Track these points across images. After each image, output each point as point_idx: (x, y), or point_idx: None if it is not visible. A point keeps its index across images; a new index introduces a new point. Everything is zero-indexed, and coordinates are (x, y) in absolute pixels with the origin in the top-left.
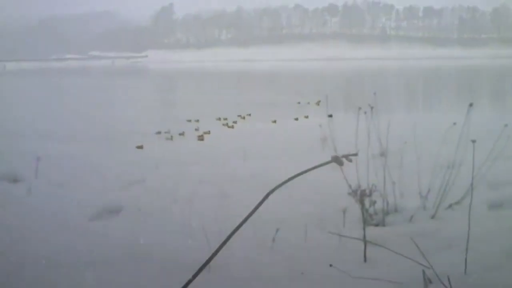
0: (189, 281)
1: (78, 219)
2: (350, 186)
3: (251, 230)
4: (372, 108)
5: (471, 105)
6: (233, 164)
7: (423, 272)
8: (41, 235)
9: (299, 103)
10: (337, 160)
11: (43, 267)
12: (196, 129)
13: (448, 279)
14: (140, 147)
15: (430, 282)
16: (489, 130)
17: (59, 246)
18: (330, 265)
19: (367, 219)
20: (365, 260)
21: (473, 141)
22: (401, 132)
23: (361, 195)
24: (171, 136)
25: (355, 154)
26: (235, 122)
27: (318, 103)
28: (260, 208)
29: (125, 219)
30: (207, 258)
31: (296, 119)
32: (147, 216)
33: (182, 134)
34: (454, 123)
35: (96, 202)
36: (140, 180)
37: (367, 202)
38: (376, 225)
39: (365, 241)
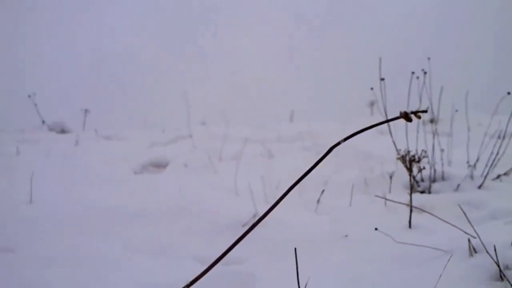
0: (236, 242)
1: (124, 171)
2: (399, 150)
3: (296, 190)
4: (425, 73)
5: None
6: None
7: (469, 241)
8: (86, 186)
9: None
10: (406, 116)
11: (86, 216)
12: None
13: (494, 249)
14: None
15: (475, 251)
16: None
17: (103, 197)
18: (376, 229)
19: (413, 185)
20: (410, 226)
21: None
22: (453, 99)
23: (410, 160)
24: None
25: (425, 111)
26: None
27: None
28: (306, 169)
29: (171, 174)
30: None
31: None
32: (193, 172)
33: None
34: (508, 93)
35: (142, 156)
36: (187, 136)
37: (415, 168)
38: (422, 192)
39: (411, 207)
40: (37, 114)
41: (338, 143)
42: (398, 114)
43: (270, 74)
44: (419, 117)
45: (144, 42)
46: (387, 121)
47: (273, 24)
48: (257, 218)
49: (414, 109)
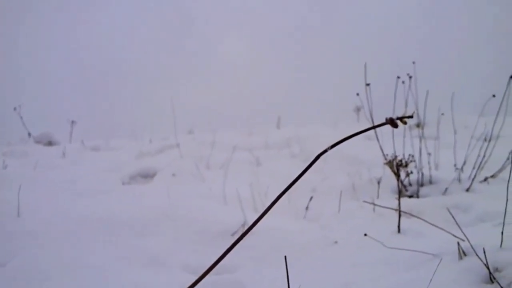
0: (227, 252)
1: (112, 182)
2: (386, 156)
3: (285, 197)
4: (410, 77)
5: (511, 77)
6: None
7: (458, 244)
8: (74, 198)
9: None
10: (392, 122)
11: (75, 228)
12: None
13: (484, 252)
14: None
15: (465, 254)
16: None
17: (92, 209)
18: (365, 235)
19: (402, 190)
20: (399, 231)
21: None
22: (439, 102)
23: (397, 165)
24: None
25: (411, 116)
26: None
27: None
28: (294, 176)
29: (159, 183)
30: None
31: None
32: (181, 181)
33: None
34: (494, 95)
35: (130, 166)
36: (174, 145)
37: (403, 172)
38: (410, 196)
39: (399, 212)
40: (23, 127)
41: (325, 151)
42: (384, 120)
43: (256, 80)
44: (405, 123)
45: (129, 52)
46: (373, 127)
47: (258, 29)
48: (246, 226)
49: (400, 114)
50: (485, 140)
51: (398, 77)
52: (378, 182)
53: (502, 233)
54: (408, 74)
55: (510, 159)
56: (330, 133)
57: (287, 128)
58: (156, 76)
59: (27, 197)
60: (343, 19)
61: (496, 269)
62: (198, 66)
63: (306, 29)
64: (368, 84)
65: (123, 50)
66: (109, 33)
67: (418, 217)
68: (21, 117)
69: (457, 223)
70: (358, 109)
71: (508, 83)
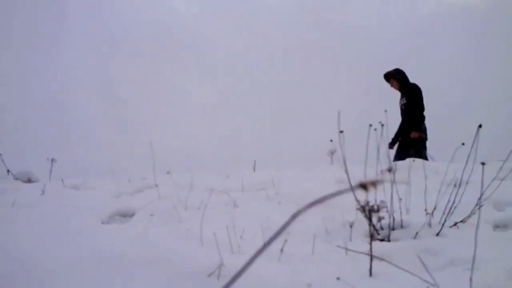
0: None
1: (91, 221)
2: (358, 201)
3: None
4: (382, 125)
5: (480, 126)
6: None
7: None
8: (52, 237)
9: None
10: (363, 187)
11: (52, 268)
12: None
13: None
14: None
15: None
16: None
17: (70, 248)
18: (338, 279)
19: (373, 234)
20: (370, 275)
21: (483, 164)
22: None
23: (369, 210)
24: None
25: (381, 181)
26: None
27: None
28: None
29: (137, 223)
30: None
31: None
32: (159, 222)
33: None
34: (463, 143)
35: (109, 205)
36: (153, 185)
37: (375, 218)
38: (382, 240)
39: (371, 256)
40: (1, 163)
41: (300, 211)
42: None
43: (232, 124)
44: (376, 187)
45: (108, 88)
46: (348, 189)
47: (236, 71)
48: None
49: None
50: (455, 186)
51: (370, 125)
52: (351, 226)
53: (470, 279)
54: (380, 122)
55: (478, 205)
56: (304, 177)
57: (263, 171)
58: (134, 114)
59: (4, 236)
60: (320, 63)
61: None
62: (172, 111)
63: (282, 74)
64: (341, 131)
65: (99, 85)
66: (83, 69)
67: (388, 262)
68: (0, 154)
69: (426, 269)
70: (332, 153)
71: (477, 132)
